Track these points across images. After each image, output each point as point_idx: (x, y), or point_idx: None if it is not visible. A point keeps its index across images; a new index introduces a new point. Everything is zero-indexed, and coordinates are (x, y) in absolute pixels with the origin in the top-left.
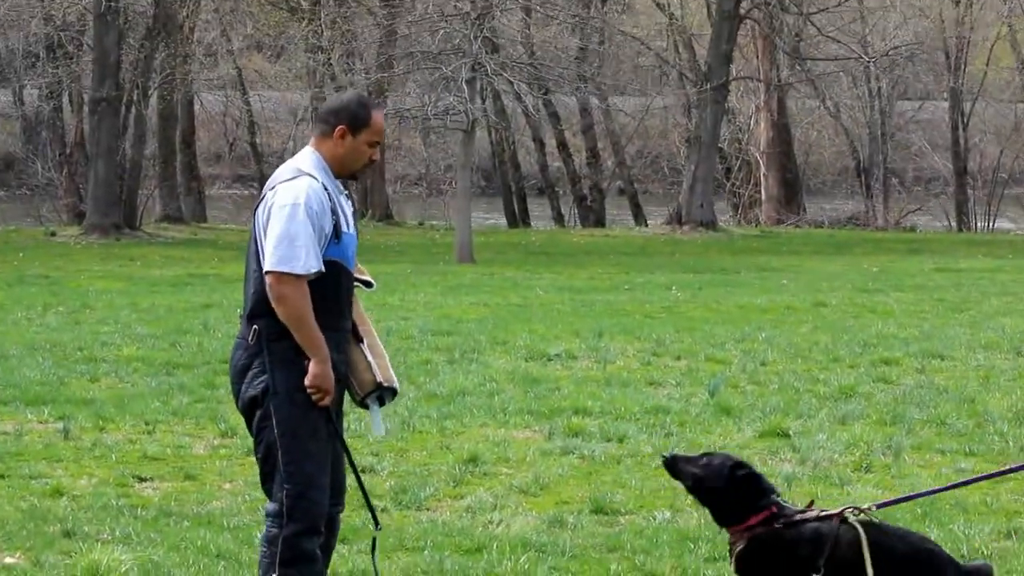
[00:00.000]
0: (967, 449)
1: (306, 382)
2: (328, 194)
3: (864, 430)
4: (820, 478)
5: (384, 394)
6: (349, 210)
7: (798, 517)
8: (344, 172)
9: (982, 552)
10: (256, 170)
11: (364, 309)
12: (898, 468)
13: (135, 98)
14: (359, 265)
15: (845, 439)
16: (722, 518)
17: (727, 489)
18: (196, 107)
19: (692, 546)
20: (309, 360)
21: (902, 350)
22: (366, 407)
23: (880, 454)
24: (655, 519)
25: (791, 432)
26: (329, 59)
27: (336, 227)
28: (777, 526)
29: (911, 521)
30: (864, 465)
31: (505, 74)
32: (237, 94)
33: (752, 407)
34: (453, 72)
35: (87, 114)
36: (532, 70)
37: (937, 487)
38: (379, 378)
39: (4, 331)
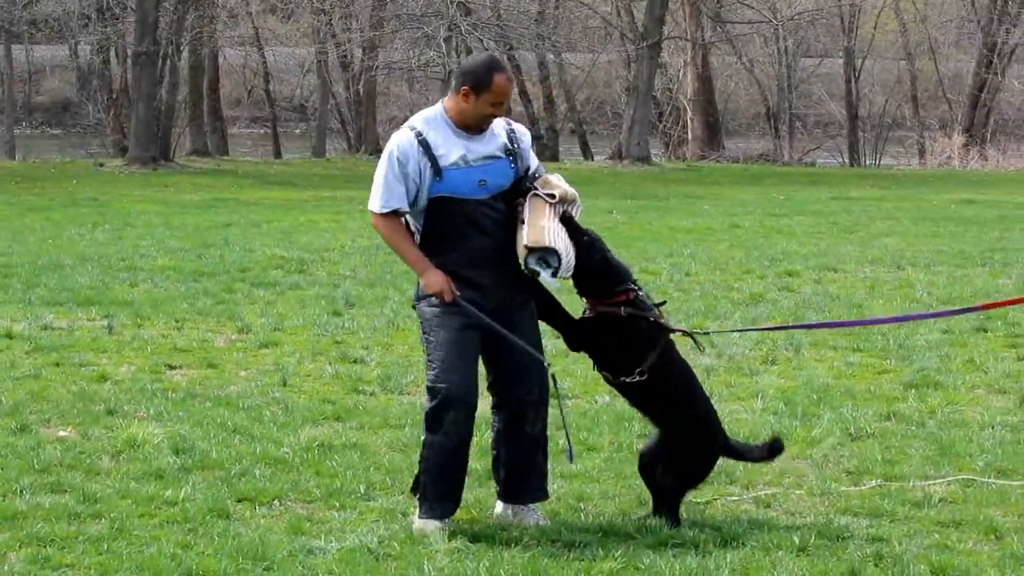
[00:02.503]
0: (855, 346)
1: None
2: (422, 141)
3: None
4: (734, 369)
5: (543, 255)
6: (489, 148)
7: (642, 313)
8: (467, 125)
9: (866, 430)
10: (269, 112)
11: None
12: (798, 361)
13: (170, 52)
14: (548, 178)
15: (754, 337)
16: (581, 289)
17: (590, 267)
18: (220, 60)
19: (627, 425)
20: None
21: (802, 264)
22: (537, 275)
23: (783, 350)
24: (596, 402)
25: (710, 331)
26: (330, 20)
27: (435, 167)
28: (622, 312)
29: (808, 405)
30: (770, 359)
31: (476, 32)
32: (254, 49)
33: (678, 310)
34: (433, 31)
35: (130, 66)
36: (499, 30)
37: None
38: (525, 241)
39: (60, 244)
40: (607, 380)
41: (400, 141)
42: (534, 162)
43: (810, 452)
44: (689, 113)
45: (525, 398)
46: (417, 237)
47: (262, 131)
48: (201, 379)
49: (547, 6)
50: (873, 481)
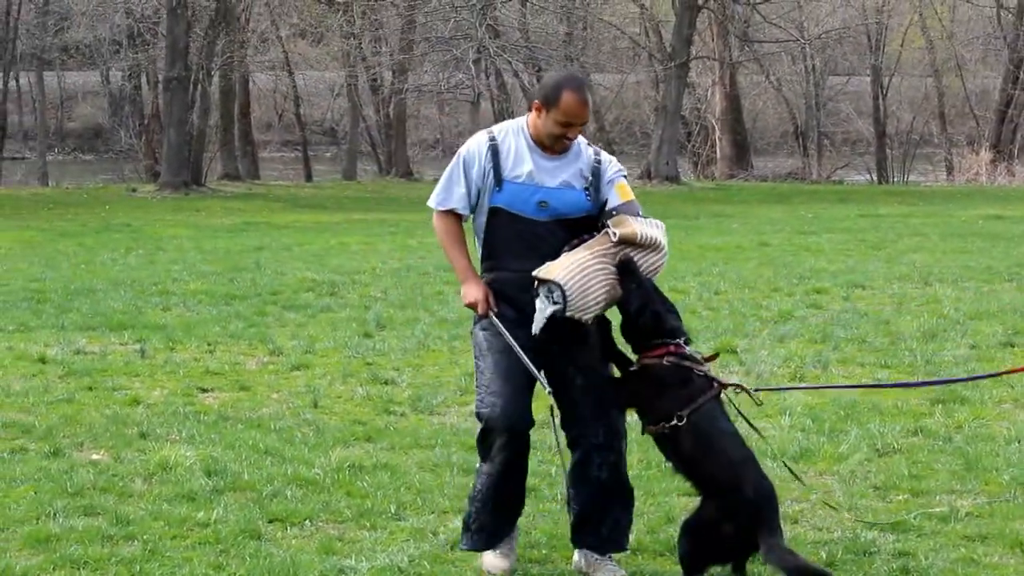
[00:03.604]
0: (883, 362)
1: None
2: (493, 147)
3: (798, 347)
4: (762, 387)
5: (544, 288)
6: (565, 172)
7: (685, 363)
8: (541, 141)
9: (893, 446)
10: (300, 136)
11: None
12: (825, 378)
13: (200, 77)
14: (626, 219)
15: (783, 354)
16: (626, 338)
17: (629, 318)
18: (250, 85)
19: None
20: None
21: (830, 281)
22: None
23: (811, 366)
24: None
25: (738, 349)
26: (360, 44)
27: (497, 175)
28: (666, 362)
29: (835, 422)
30: (798, 376)
31: (505, 55)
32: (284, 74)
33: (707, 328)
34: (462, 54)
35: (161, 91)
36: (527, 52)
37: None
38: (537, 272)
39: (92, 270)
40: (650, 431)
41: (472, 143)
42: (616, 198)
43: (837, 468)
44: (717, 132)
45: (590, 440)
46: (479, 247)
47: (292, 155)
48: (233, 402)
49: (575, 27)
50: (900, 496)
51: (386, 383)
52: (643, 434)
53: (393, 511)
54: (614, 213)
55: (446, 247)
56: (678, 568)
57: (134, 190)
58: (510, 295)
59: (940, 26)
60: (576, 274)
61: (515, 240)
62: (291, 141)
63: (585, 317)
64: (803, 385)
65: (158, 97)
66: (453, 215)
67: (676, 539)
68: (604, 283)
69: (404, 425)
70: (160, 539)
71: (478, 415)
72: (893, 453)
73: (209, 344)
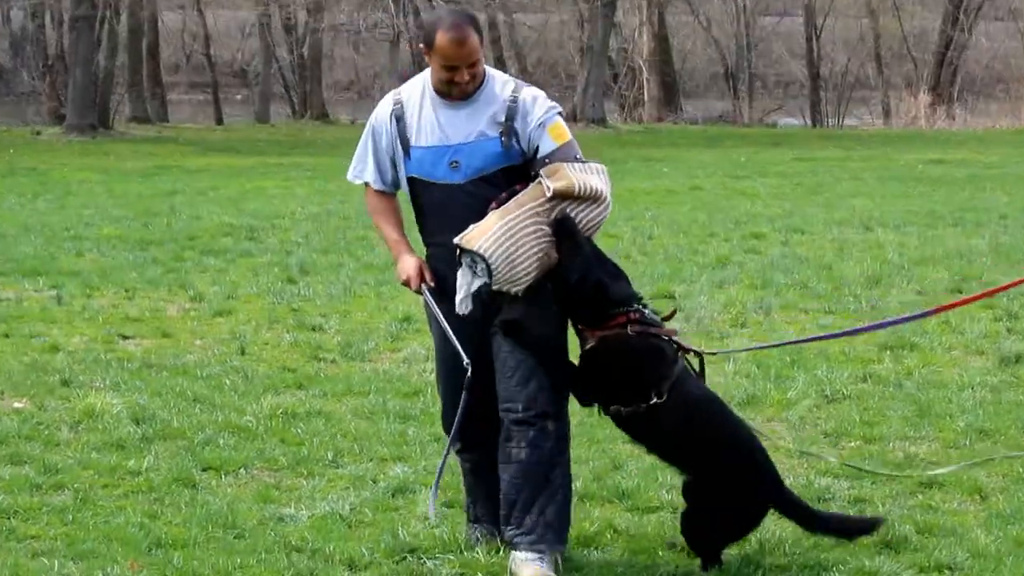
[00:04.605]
0: (826, 308)
1: None
2: (397, 112)
3: (739, 292)
4: (703, 333)
5: (467, 259)
6: (475, 121)
7: (652, 330)
8: (438, 90)
9: (842, 392)
10: (211, 78)
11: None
12: (769, 324)
13: (108, 16)
14: (562, 167)
15: (723, 300)
16: (568, 315)
17: (570, 290)
18: (159, 24)
19: None
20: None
21: (768, 226)
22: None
23: (753, 312)
24: None
25: (677, 295)
26: None
27: (404, 144)
28: (630, 331)
29: (781, 367)
30: (740, 322)
31: None
32: (194, 12)
33: (643, 274)
34: None
35: (67, 30)
36: None
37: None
38: (458, 240)
39: (0, 215)
40: (617, 419)
41: (379, 110)
42: (549, 143)
43: (786, 414)
44: (645, 74)
45: (510, 415)
46: None
47: (202, 97)
48: (156, 349)
49: None
50: (852, 443)
51: (313, 329)
52: (603, 415)
53: (330, 458)
54: (547, 161)
55: (375, 221)
56: (628, 515)
57: (39, 133)
58: (439, 272)
59: None
60: (503, 240)
61: (436, 210)
62: (200, 83)
63: (515, 290)
64: (762, 344)
65: (63, 36)
66: (376, 188)
67: (622, 489)
68: (536, 248)
69: (335, 372)
70: (91, 488)
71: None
72: (843, 399)
73: (127, 290)
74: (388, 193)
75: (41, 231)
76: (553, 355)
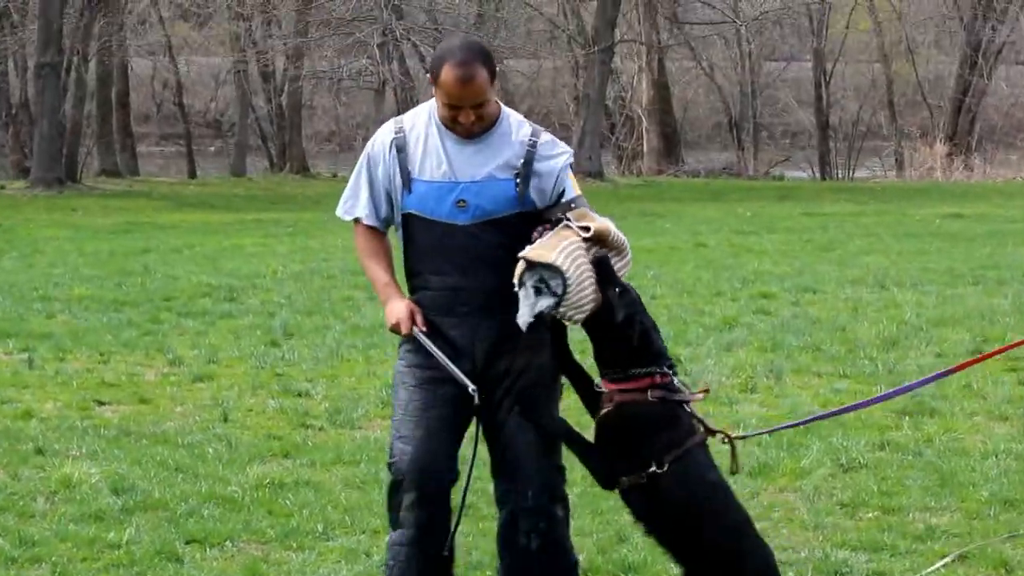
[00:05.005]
0: (841, 372)
1: None
2: (399, 141)
3: (748, 356)
4: (710, 399)
5: (533, 276)
6: (490, 161)
7: (674, 397)
8: (446, 126)
9: (859, 461)
10: (184, 128)
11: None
12: (780, 389)
13: (75, 63)
14: (588, 212)
15: (731, 364)
16: (599, 354)
17: (614, 328)
18: (129, 72)
19: None
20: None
21: (778, 285)
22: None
23: (763, 377)
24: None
25: (682, 358)
26: (250, 26)
27: (404, 176)
28: (651, 397)
29: (794, 435)
30: (749, 387)
31: (412, 38)
32: (166, 59)
33: None
34: (365, 37)
35: (32, 78)
36: (436, 34)
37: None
38: (525, 252)
39: None
40: (621, 491)
41: (377, 137)
42: (571, 190)
43: (800, 484)
44: (644, 123)
45: (518, 501)
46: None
47: (173, 149)
48: (134, 415)
49: (487, 7)
50: (870, 514)
51: (300, 395)
52: (607, 489)
53: (320, 530)
54: (573, 205)
55: (362, 262)
56: None
57: (2, 187)
58: (432, 319)
59: (889, 6)
60: (572, 261)
61: (433, 251)
62: (172, 134)
63: (577, 317)
64: (788, 424)
65: (27, 84)
66: (368, 225)
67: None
68: (594, 278)
69: (324, 440)
70: (69, 561)
71: (389, 466)
72: (859, 468)
73: (102, 353)
74: (380, 231)
75: (9, 291)
76: (567, 435)
